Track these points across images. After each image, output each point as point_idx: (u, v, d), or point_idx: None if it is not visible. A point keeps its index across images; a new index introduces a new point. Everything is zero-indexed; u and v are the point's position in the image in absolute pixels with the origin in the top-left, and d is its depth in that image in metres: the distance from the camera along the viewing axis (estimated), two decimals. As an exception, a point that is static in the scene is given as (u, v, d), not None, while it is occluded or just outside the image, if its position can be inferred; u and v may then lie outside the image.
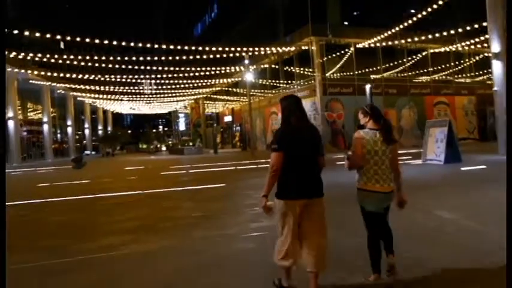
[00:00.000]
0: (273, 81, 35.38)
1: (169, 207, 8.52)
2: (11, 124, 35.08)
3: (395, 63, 31.33)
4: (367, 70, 30.17)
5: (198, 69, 31.96)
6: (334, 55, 29.58)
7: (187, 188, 11.56)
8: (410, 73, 32.20)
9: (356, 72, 29.93)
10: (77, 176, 18.47)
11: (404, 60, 31.74)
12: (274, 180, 3.22)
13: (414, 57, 31.63)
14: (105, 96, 43.43)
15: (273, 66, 35.16)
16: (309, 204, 3.21)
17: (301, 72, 31.57)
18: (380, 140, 3.50)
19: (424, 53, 32.02)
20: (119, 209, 8.54)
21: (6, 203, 9.88)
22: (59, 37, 23.69)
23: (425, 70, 32.41)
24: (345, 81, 29.68)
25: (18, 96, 40.17)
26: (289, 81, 33.90)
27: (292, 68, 32.42)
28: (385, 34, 25.79)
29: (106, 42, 23.40)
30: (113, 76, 34.65)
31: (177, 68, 31.95)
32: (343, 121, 29.00)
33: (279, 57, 34.14)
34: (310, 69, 30.29)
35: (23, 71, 32.61)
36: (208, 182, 12.30)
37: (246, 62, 29.42)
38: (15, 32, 22.51)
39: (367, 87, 25.32)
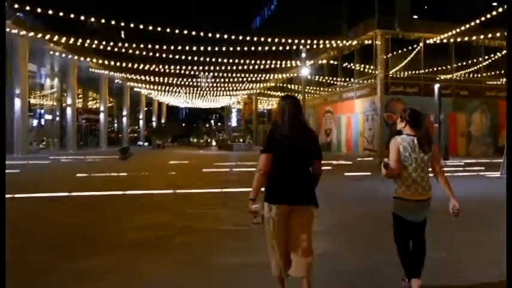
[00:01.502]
0: (330, 78, 33.35)
1: (196, 214, 7.07)
2: (68, 111, 35.92)
3: (469, 62, 28.17)
4: (436, 69, 27.31)
5: (253, 62, 30.78)
6: (400, 51, 27.05)
7: (225, 190, 10.10)
8: (485, 74, 28.84)
9: (423, 71, 27.16)
10: (118, 167, 17.86)
11: (480, 59, 28.47)
12: (261, 183, 3.11)
13: (492, 55, 28.27)
14: (160, 87, 43.61)
15: (331, 62, 33.08)
16: (295, 211, 3.08)
17: (362, 69, 29.29)
18: (418, 146, 3.41)
19: (503, 52, 28.50)
20: (139, 212, 7.26)
21: (32, 194, 8.51)
22: (122, 24, 23.40)
23: (503, 71, 28.85)
24: (410, 80, 26.99)
25: (79, 85, 41.41)
26: (347, 79, 31.69)
27: (352, 64, 30.22)
28: (460, 29, 22.92)
29: (168, 30, 22.84)
30: (168, 67, 34.27)
31: (234, 60, 30.92)
32: (405, 124, 26.38)
33: (338, 53, 32.00)
34: (371, 67, 27.98)
35: (82, 58, 32.95)
36: (250, 184, 10.74)
37: (303, 55, 27.61)
38: (82, 18, 22.51)
39: (436, 87, 22.70)
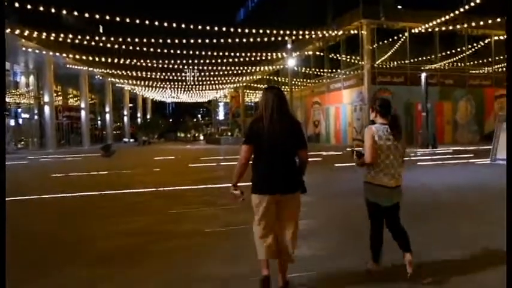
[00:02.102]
0: (317, 69, 32.99)
1: (179, 215, 6.62)
2: (47, 110, 34.38)
3: (454, 51, 28.08)
4: (422, 58, 27.15)
5: (238, 54, 30.22)
6: (385, 41, 26.79)
7: (212, 186, 9.71)
8: (469, 63, 28.81)
9: (409, 61, 26.97)
10: (99, 165, 17.23)
11: (464, 48, 28.40)
12: (242, 171, 3.25)
13: (475, 45, 28.23)
14: (143, 82, 42.66)
15: (317, 53, 32.70)
16: (281, 200, 3.16)
17: (348, 60, 28.99)
18: (390, 135, 3.48)
19: (486, 41, 28.49)
20: (115, 216, 6.75)
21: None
22: (97, 17, 22.47)
23: (487, 60, 28.84)
24: (397, 70, 26.80)
25: (58, 82, 40.14)
26: (334, 70, 31.37)
27: (338, 55, 29.89)
28: (445, 17, 22.69)
29: (147, 22, 22.04)
30: (150, 61, 33.43)
31: (219, 53, 30.28)
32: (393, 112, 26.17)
33: (324, 44, 31.66)
34: (358, 57, 27.69)
35: (58, 54, 31.67)
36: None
37: (289, 46, 27.15)
38: (53, 10, 21.53)
39: (423, 76, 22.57)
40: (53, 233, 5.66)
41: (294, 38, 27.41)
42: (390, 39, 26.83)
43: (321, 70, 32.59)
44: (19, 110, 35.72)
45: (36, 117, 35.48)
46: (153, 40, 26.69)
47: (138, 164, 18.14)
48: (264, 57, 31.74)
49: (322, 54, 32.35)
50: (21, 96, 35.50)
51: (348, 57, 29.02)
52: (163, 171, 14.64)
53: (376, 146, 3.44)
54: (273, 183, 3.12)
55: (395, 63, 26.69)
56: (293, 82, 32.90)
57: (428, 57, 27.65)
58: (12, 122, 33.76)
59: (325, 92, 32.35)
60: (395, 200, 3.53)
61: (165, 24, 22.09)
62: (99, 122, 52.32)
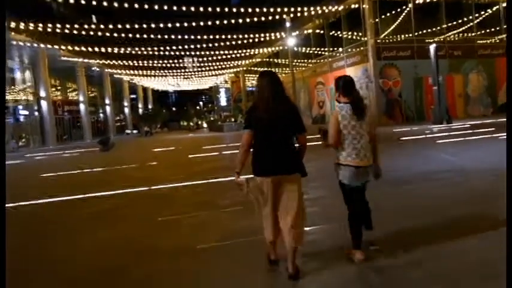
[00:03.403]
0: (318, 48, 31.72)
1: (168, 223, 5.65)
2: (44, 105, 33.89)
3: (461, 21, 26.69)
4: (427, 30, 25.82)
5: (235, 37, 29.17)
6: (388, 14, 25.46)
7: (212, 180, 8.74)
8: (478, 32, 27.45)
9: (415, 33, 25.64)
10: (95, 161, 16.40)
11: (471, 17, 27.03)
12: (245, 157, 3.30)
13: (483, 13, 26.84)
14: (140, 72, 41.76)
15: (317, 31, 31.37)
16: (282, 182, 3.21)
17: (350, 36, 27.70)
18: (354, 114, 3.39)
19: (494, 8, 27.06)
20: (95, 226, 5.80)
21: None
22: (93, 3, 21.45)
23: (496, 28, 27.43)
24: (402, 44, 25.45)
25: (56, 76, 39.34)
26: (336, 48, 30.11)
27: (339, 32, 28.59)
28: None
29: (136, 6, 21.01)
30: (146, 49, 32.35)
31: (216, 36, 29.17)
32: (400, 89, 24.91)
33: (324, 20, 30.27)
34: (360, 33, 26.41)
35: (49, 46, 30.70)
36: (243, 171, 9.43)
37: (288, 25, 25.92)
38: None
39: (432, 48, 21.26)
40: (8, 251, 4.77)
41: (292, 16, 26.16)
42: (393, 12, 25.49)
43: (322, 49, 31.34)
44: (20, 107, 34.93)
45: (36, 113, 34.71)
46: (147, 26, 25.72)
47: (135, 157, 17.28)
48: (262, 39, 30.60)
49: (322, 32, 31.05)
50: (19, 92, 34.71)
51: (350, 33, 27.72)
52: (160, 164, 13.73)
53: (341, 126, 3.37)
54: (272, 165, 3.18)
55: (402, 36, 25.35)
56: (294, 63, 31.76)
57: (435, 29, 26.30)
58: (11, 120, 32.99)
59: (328, 72, 31.12)
60: (361, 179, 3.46)
61: (156, 7, 21.02)
62: (101, 114, 51.57)
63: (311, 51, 32.33)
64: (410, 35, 25.52)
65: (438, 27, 26.59)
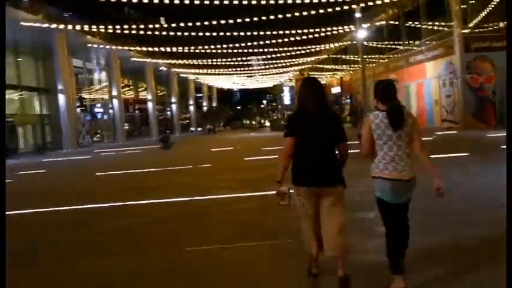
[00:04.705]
0: (391, 42, 29.01)
1: (196, 258, 4.13)
2: (115, 103, 35.91)
3: None
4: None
5: (300, 31, 27.64)
6: (478, -1, 22.22)
7: (264, 193, 7.12)
8: None
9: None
10: (153, 160, 16.04)
11: None
12: (286, 165, 3.19)
13: None
14: (205, 71, 41.97)
15: (391, 22, 28.66)
16: (322, 193, 3.09)
17: (430, 27, 24.75)
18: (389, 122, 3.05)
19: None
20: (98, 248, 4.61)
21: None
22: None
23: None
24: (497, 33, 21.87)
25: (127, 76, 41.52)
26: (413, 41, 27.23)
27: (417, 22, 25.75)
28: None
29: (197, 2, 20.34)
30: (209, 47, 32.11)
31: (280, 32, 27.97)
32: (494, 86, 21.33)
33: (400, 10, 27.45)
34: (443, 23, 23.43)
35: (120, 47, 32.23)
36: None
37: (357, 15, 23.71)
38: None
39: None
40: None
41: (362, 5, 23.88)
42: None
43: (397, 42, 28.57)
44: (99, 105, 36.88)
45: (110, 111, 36.69)
46: (209, 23, 25.12)
47: (191, 157, 16.48)
48: (329, 32, 28.61)
49: (397, 23, 28.28)
50: (97, 91, 36.71)
51: (431, 23, 24.74)
52: (212, 167, 12.48)
53: (375, 136, 3.08)
54: (309, 175, 3.06)
55: (494, 23, 21.90)
56: (364, 59, 29.32)
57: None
58: (88, 117, 34.86)
59: (403, 67, 28.24)
60: (401, 195, 3.05)
61: (216, 2, 20.09)
62: (168, 112, 52.86)
63: (383, 46, 29.68)
64: (505, 22, 22.03)
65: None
